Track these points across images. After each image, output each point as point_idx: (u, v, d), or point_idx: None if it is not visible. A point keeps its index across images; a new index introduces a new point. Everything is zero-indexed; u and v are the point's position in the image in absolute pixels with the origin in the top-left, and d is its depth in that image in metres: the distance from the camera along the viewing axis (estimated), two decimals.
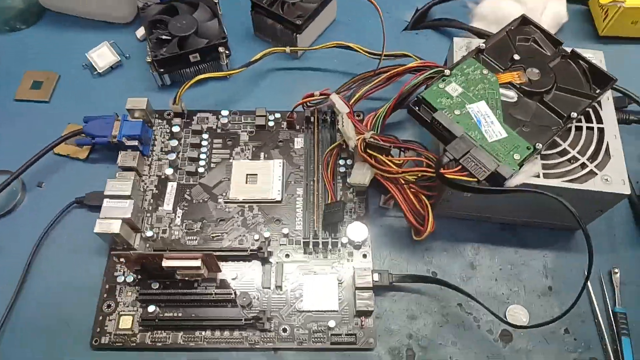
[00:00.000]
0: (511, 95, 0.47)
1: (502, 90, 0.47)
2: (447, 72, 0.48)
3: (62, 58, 0.65)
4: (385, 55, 0.59)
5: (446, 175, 0.42)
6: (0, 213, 0.54)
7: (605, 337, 0.48)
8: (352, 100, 0.56)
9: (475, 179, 0.42)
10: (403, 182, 0.47)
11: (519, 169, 0.42)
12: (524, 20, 0.53)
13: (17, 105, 0.62)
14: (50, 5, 0.68)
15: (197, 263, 0.45)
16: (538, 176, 0.44)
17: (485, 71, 0.48)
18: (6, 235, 0.54)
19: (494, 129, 0.44)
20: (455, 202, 0.49)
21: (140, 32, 0.65)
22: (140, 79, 0.63)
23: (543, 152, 0.45)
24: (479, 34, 0.63)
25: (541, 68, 0.48)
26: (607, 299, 0.50)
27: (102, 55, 0.63)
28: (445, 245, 0.53)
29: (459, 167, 0.42)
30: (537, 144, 0.43)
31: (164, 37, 0.60)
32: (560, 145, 0.46)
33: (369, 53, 0.61)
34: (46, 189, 0.56)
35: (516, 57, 0.49)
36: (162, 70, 0.59)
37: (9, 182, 0.53)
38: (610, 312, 0.49)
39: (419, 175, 0.45)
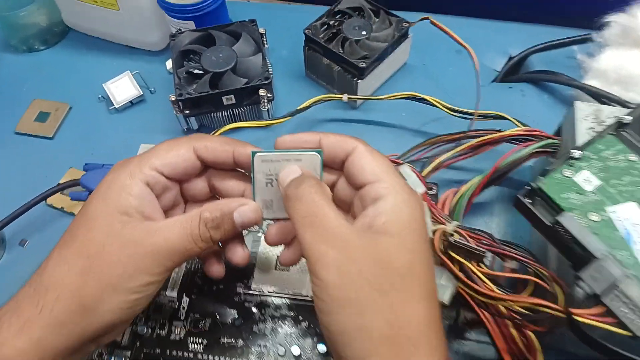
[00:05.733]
0: None
1: None
2: (575, 153, 0.33)
3: (78, 86, 0.55)
4: (472, 114, 0.46)
5: (578, 319, 0.27)
6: None
7: None
8: (427, 170, 0.42)
9: (629, 333, 0.26)
10: (504, 311, 0.32)
11: None
12: None
13: (16, 138, 0.52)
14: (75, 25, 0.58)
15: None
16: None
17: (632, 157, 0.33)
18: None
19: None
20: None
21: (170, 63, 0.55)
22: (163, 119, 0.52)
23: None
24: (597, 95, 0.48)
25: None
26: None
27: (121, 87, 0.52)
28: None
29: (602, 308, 0.27)
30: None
31: (195, 71, 0.48)
32: None
33: (450, 109, 0.47)
34: (29, 249, 0.45)
35: None
36: (187, 112, 0.48)
37: None
38: None
39: (536, 309, 0.29)
